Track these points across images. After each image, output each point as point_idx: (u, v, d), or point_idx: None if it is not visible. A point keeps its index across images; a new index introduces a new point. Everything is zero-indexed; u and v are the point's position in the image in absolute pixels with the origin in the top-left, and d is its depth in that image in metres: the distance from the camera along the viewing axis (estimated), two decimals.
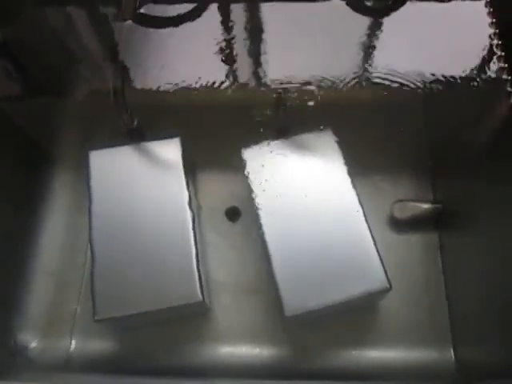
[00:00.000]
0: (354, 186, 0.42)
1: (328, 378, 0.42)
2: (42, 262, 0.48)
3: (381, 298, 0.43)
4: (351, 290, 0.39)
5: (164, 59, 0.51)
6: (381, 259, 0.40)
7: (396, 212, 0.48)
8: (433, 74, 0.49)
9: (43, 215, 0.50)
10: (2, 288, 0.45)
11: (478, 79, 0.48)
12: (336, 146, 0.44)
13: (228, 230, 0.48)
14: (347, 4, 0.53)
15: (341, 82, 0.50)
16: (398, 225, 0.48)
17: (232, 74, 0.51)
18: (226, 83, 0.50)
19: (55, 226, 0.50)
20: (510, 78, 0.45)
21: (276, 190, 0.43)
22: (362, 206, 0.42)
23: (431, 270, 0.46)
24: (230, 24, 0.53)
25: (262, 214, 0.42)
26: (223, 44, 0.52)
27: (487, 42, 0.48)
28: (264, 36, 0.52)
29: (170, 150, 0.45)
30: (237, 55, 0.51)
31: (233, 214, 0.49)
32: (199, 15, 0.52)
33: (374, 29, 0.53)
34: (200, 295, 0.40)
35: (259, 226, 0.42)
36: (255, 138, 0.45)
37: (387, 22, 0.53)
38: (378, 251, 0.40)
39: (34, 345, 0.45)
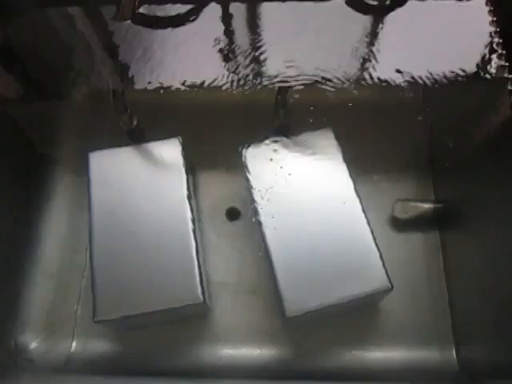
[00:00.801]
0: (355, 186, 0.42)
1: (329, 379, 0.42)
2: (42, 263, 0.48)
3: (382, 297, 0.42)
4: (352, 290, 0.39)
5: (163, 59, 0.51)
6: (382, 259, 0.40)
7: (397, 212, 0.47)
8: (433, 73, 0.49)
9: (43, 217, 0.50)
10: (2, 289, 0.45)
11: (478, 78, 0.48)
12: (336, 146, 0.44)
13: (228, 231, 0.48)
14: (347, 3, 0.52)
15: (341, 81, 0.50)
16: (399, 224, 0.48)
17: (232, 73, 0.51)
18: (226, 83, 0.50)
19: (55, 228, 0.50)
20: (510, 76, 0.45)
21: (276, 190, 0.43)
22: (362, 205, 0.42)
23: (432, 269, 0.46)
24: (230, 24, 0.53)
25: (262, 214, 0.42)
26: (223, 44, 0.52)
27: (488, 40, 0.48)
28: (264, 36, 0.52)
29: (170, 151, 0.45)
30: (237, 55, 0.51)
31: (233, 214, 0.49)
32: (199, 15, 0.52)
33: (375, 28, 0.53)
34: (201, 296, 0.40)
35: (259, 226, 0.41)
36: (255, 138, 0.45)
37: (387, 21, 0.53)
38: (379, 251, 0.40)
39: (34, 346, 0.45)
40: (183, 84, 0.50)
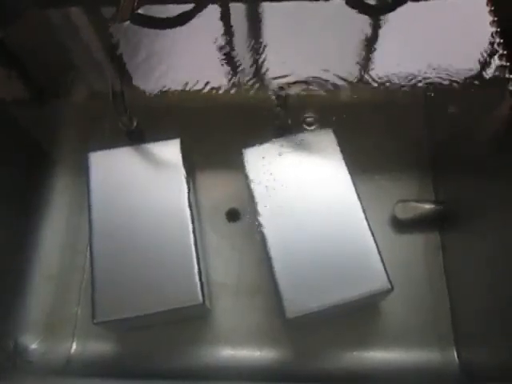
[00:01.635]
0: (355, 186, 0.42)
1: (330, 380, 0.42)
2: (42, 263, 0.48)
3: (382, 298, 0.42)
4: (352, 290, 0.39)
5: (163, 60, 0.51)
6: (382, 260, 0.39)
7: (397, 212, 0.47)
8: (434, 73, 0.48)
9: (43, 217, 0.50)
10: (1, 290, 0.44)
11: (479, 78, 0.47)
12: (337, 146, 0.44)
13: (228, 231, 0.48)
14: (347, 3, 0.52)
15: (341, 81, 0.50)
16: (400, 225, 0.48)
17: (232, 74, 0.51)
18: (226, 84, 0.50)
19: (55, 228, 0.50)
20: (511, 76, 0.44)
21: (276, 191, 0.43)
22: (363, 206, 0.41)
23: (433, 270, 0.46)
24: (230, 24, 0.53)
25: (262, 214, 0.42)
26: (223, 44, 0.51)
27: (489, 40, 0.48)
28: (264, 36, 0.52)
29: (170, 152, 0.45)
30: (236, 55, 0.51)
31: (233, 215, 0.49)
32: (198, 15, 0.52)
33: (375, 28, 0.53)
34: (200, 297, 0.39)
35: (259, 227, 0.41)
36: (255, 139, 0.45)
37: (387, 21, 0.53)
38: (379, 251, 0.40)
39: (34, 347, 0.45)
40: (183, 84, 0.50)
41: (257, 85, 0.50)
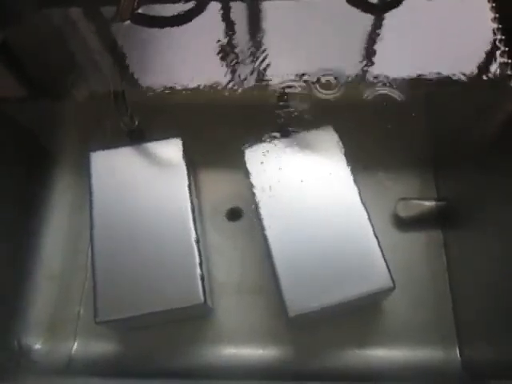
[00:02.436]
0: (357, 185, 0.42)
1: (332, 379, 0.42)
2: (44, 263, 0.48)
3: (385, 297, 0.42)
4: (354, 289, 0.39)
5: (164, 59, 0.51)
6: (384, 258, 0.39)
7: (399, 210, 0.47)
8: (436, 71, 0.48)
9: (44, 217, 0.50)
10: (4, 290, 0.45)
11: (481, 75, 0.47)
12: (338, 144, 0.44)
13: (230, 231, 0.48)
14: (348, 1, 0.52)
15: (343, 79, 0.50)
16: (402, 223, 0.47)
17: (233, 72, 0.51)
18: (227, 82, 0.50)
19: (57, 228, 0.50)
20: None
21: (278, 189, 0.43)
22: (364, 204, 0.41)
23: (435, 268, 0.46)
24: (231, 22, 0.53)
25: (263, 213, 0.42)
26: (224, 43, 0.51)
27: (490, 37, 0.48)
28: (264, 34, 0.52)
29: (171, 151, 0.45)
30: (237, 54, 0.51)
31: (235, 214, 0.49)
32: (199, 14, 0.52)
33: (376, 27, 0.52)
34: (202, 297, 0.39)
35: (261, 226, 0.41)
36: (256, 137, 0.45)
37: (388, 19, 0.53)
38: (381, 250, 0.40)
39: (37, 347, 0.45)
40: (184, 83, 0.50)
41: (258, 83, 0.50)
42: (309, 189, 0.42)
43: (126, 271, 0.40)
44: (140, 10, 0.50)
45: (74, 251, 0.48)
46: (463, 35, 0.49)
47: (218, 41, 0.52)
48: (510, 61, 0.46)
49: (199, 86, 0.49)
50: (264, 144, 0.45)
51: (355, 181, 0.42)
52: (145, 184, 0.44)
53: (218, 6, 0.53)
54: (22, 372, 0.43)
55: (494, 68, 0.46)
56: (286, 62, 0.50)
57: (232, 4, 0.53)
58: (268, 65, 0.51)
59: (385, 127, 0.50)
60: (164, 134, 0.46)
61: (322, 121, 0.45)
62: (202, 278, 0.40)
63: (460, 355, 0.43)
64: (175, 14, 0.52)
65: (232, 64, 0.51)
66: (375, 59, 0.51)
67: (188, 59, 0.51)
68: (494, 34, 0.48)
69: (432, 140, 0.51)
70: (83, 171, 0.45)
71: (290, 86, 0.49)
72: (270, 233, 0.41)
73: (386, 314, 0.44)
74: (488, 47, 0.48)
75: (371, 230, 0.40)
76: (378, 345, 0.43)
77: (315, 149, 0.44)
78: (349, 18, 0.53)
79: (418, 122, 0.51)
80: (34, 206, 0.50)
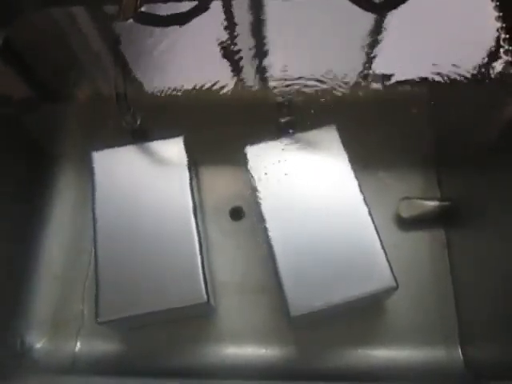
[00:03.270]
0: (360, 184, 0.42)
1: (335, 379, 0.42)
2: (47, 262, 0.48)
3: (387, 296, 0.42)
4: (357, 288, 0.39)
5: (166, 58, 0.51)
6: (387, 257, 0.39)
7: (402, 210, 0.47)
8: (439, 70, 0.48)
9: (47, 217, 0.50)
10: (7, 289, 0.45)
11: (484, 74, 0.47)
12: (340, 144, 0.44)
13: (232, 230, 0.48)
14: (350, 0, 0.52)
15: (345, 78, 0.49)
16: (405, 223, 0.47)
17: (235, 72, 0.51)
18: (229, 81, 0.50)
19: (60, 228, 0.50)
20: None
21: (280, 189, 0.43)
22: (367, 204, 0.41)
23: (438, 268, 0.46)
24: (233, 22, 0.53)
25: (266, 212, 0.42)
26: (226, 42, 0.51)
27: (494, 35, 0.47)
28: (267, 34, 0.52)
29: (174, 150, 0.45)
30: (240, 53, 0.51)
31: (237, 213, 0.49)
32: (201, 14, 0.52)
33: (378, 25, 0.52)
34: (205, 296, 0.39)
35: (263, 225, 0.41)
36: (259, 137, 0.45)
37: (391, 18, 0.53)
38: (384, 249, 0.40)
39: (39, 346, 0.45)
40: (186, 83, 0.50)
41: (260, 82, 0.50)
42: (311, 188, 0.42)
43: (128, 270, 0.40)
44: (143, 9, 0.50)
45: (77, 251, 0.48)
46: (466, 34, 0.49)
47: (221, 40, 0.51)
48: None
49: (202, 85, 0.49)
50: (266, 143, 0.45)
51: (358, 180, 0.42)
52: (147, 183, 0.44)
53: (221, 4, 0.53)
54: (25, 371, 0.43)
55: (498, 67, 0.46)
56: (287, 61, 0.50)
57: (234, 3, 0.53)
58: (270, 64, 0.51)
59: (387, 127, 0.50)
60: (166, 134, 0.46)
61: (323, 120, 0.45)
62: (205, 277, 0.40)
63: (462, 355, 0.43)
64: (178, 12, 0.52)
65: (234, 63, 0.51)
66: (378, 58, 0.51)
67: (190, 58, 0.51)
68: (499, 32, 0.47)
69: (434, 140, 0.51)
70: (85, 171, 0.45)
71: (291, 85, 0.48)
72: (272, 232, 0.41)
73: (389, 314, 0.44)
74: (492, 46, 0.47)
75: (373, 229, 0.40)
76: (381, 344, 0.43)
77: (317, 148, 0.44)
78: (351, 18, 0.53)
79: (421, 121, 0.51)
80: (36, 205, 0.50)
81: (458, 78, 0.48)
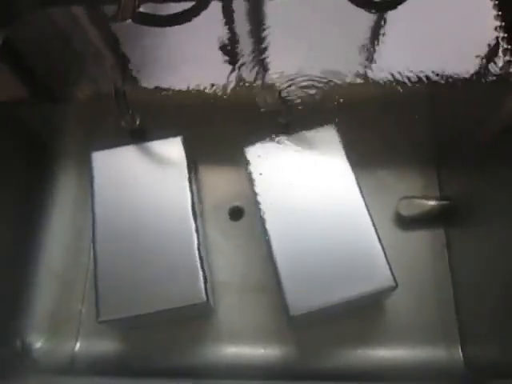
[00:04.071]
0: (359, 183, 0.42)
1: (335, 378, 0.42)
2: (46, 262, 0.48)
3: (387, 296, 0.42)
4: (357, 288, 0.39)
5: (165, 58, 0.51)
6: (386, 257, 0.39)
7: (402, 209, 0.47)
8: (438, 69, 0.48)
9: (47, 217, 0.50)
10: (6, 289, 0.45)
11: (484, 73, 0.47)
12: (339, 143, 0.44)
13: (231, 229, 0.48)
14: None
15: (344, 78, 0.49)
16: (404, 222, 0.47)
17: (234, 71, 0.51)
18: (229, 81, 0.50)
19: (59, 227, 0.50)
20: None
21: (279, 188, 0.43)
22: (366, 203, 0.41)
23: (438, 267, 0.46)
24: (232, 21, 0.53)
25: (265, 212, 0.42)
26: (225, 42, 0.51)
27: (493, 35, 0.47)
28: (266, 33, 0.52)
29: (173, 150, 0.45)
30: (239, 53, 0.51)
31: (236, 212, 0.49)
32: (200, 13, 0.52)
33: (378, 25, 0.52)
34: (204, 296, 0.39)
35: (263, 225, 0.41)
36: (258, 136, 0.45)
37: (390, 17, 0.52)
38: (383, 249, 0.40)
39: (39, 345, 0.45)
40: (185, 82, 0.50)
41: (260, 82, 0.50)
42: (310, 188, 0.42)
43: (128, 270, 0.40)
44: (141, 9, 0.50)
45: (76, 250, 0.48)
46: (466, 33, 0.49)
47: (219, 40, 0.51)
48: None
49: (201, 84, 0.49)
50: (265, 143, 0.45)
51: (357, 180, 0.42)
52: (146, 183, 0.44)
53: (220, 4, 0.53)
54: (24, 370, 0.43)
55: (498, 66, 0.46)
56: (287, 61, 0.50)
57: (234, 3, 0.53)
58: (270, 63, 0.51)
59: (386, 126, 0.50)
60: (165, 133, 0.46)
61: (323, 120, 0.45)
62: (204, 277, 0.40)
63: (462, 354, 0.42)
64: (176, 12, 0.52)
65: (233, 63, 0.51)
66: (377, 57, 0.51)
67: (189, 58, 0.51)
68: (497, 31, 0.47)
69: (435, 139, 0.51)
70: (85, 171, 0.45)
71: (291, 85, 0.48)
72: (272, 232, 0.41)
73: (388, 314, 0.44)
74: (492, 45, 0.47)
75: (373, 228, 0.40)
76: (380, 344, 0.43)
77: (317, 148, 0.44)
78: (351, 17, 0.53)
79: (421, 120, 0.51)
80: (36, 205, 0.50)
81: (458, 77, 0.48)
